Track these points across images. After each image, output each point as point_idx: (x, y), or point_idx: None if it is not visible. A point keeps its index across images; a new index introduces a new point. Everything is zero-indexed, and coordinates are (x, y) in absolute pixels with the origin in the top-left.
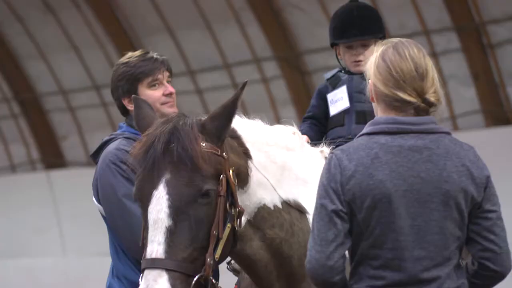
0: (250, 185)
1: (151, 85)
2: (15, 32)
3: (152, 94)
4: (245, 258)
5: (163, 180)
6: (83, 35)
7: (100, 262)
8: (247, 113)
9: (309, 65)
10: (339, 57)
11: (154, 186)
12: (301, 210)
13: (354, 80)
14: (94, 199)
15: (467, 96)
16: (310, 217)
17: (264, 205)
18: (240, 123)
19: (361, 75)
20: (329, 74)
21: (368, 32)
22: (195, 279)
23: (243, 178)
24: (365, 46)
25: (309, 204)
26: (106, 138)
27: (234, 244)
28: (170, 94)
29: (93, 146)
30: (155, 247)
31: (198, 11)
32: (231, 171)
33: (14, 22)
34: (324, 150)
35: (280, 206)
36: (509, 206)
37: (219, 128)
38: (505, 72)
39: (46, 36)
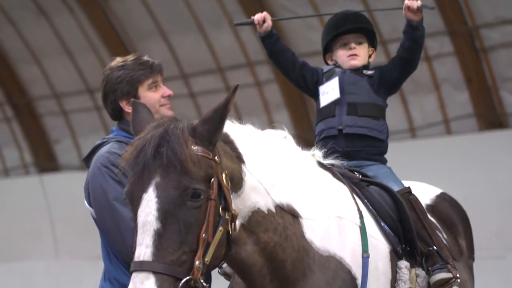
0: (244, 189)
1: (151, 87)
2: (8, 36)
3: (152, 95)
4: (239, 263)
5: (153, 183)
6: (76, 39)
7: (93, 265)
8: (240, 117)
9: None
10: (331, 62)
11: (144, 189)
12: (294, 214)
13: (347, 74)
14: (85, 202)
15: (460, 100)
16: (303, 221)
17: (258, 209)
18: (232, 128)
19: (355, 70)
20: (326, 68)
21: (362, 24)
22: (182, 281)
23: (236, 182)
24: (360, 43)
25: (302, 208)
26: (98, 142)
27: (229, 248)
28: (168, 96)
29: (86, 150)
30: (143, 250)
31: (191, 15)
32: (223, 175)
33: (6, 26)
34: (316, 153)
35: (273, 210)
36: (504, 209)
37: (210, 131)
38: (498, 76)
39: (39, 40)
